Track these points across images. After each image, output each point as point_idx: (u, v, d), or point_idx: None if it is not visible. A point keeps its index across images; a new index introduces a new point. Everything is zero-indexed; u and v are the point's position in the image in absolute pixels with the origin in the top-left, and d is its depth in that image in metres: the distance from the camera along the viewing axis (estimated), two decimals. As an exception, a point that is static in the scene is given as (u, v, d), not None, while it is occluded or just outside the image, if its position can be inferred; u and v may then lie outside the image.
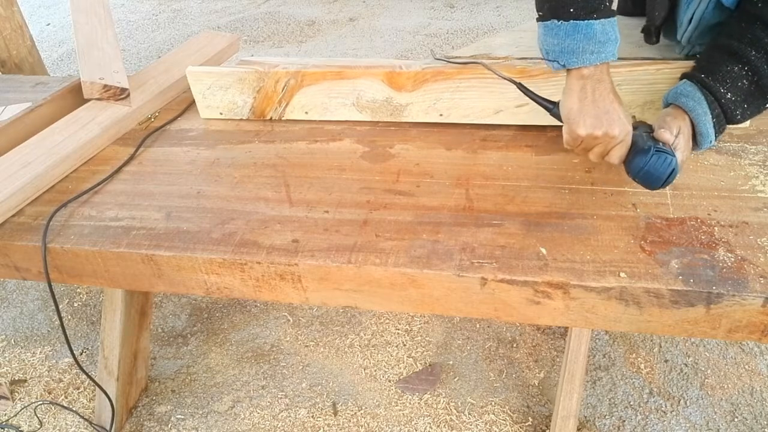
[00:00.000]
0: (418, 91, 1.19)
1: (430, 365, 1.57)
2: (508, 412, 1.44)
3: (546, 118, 1.06)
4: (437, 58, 1.24)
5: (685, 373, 1.48)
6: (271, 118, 1.31)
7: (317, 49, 3.47)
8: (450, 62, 1.21)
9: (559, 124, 0.97)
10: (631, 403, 1.43)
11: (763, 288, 0.80)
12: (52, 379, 1.63)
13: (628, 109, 1.05)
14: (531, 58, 1.24)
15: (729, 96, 0.94)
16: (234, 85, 1.28)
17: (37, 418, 1.53)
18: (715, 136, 0.96)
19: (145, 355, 1.55)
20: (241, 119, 1.33)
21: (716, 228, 0.91)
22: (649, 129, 0.95)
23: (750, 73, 0.93)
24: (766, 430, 1.35)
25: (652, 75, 1.08)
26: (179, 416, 1.51)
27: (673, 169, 0.88)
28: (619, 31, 0.90)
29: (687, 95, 0.96)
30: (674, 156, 0.89)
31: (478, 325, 1.66)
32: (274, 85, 1.26)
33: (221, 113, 1.33)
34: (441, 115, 1.21)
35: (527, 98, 1.07)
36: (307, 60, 1.35)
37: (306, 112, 1.27)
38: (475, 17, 3.64)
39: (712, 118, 0.94)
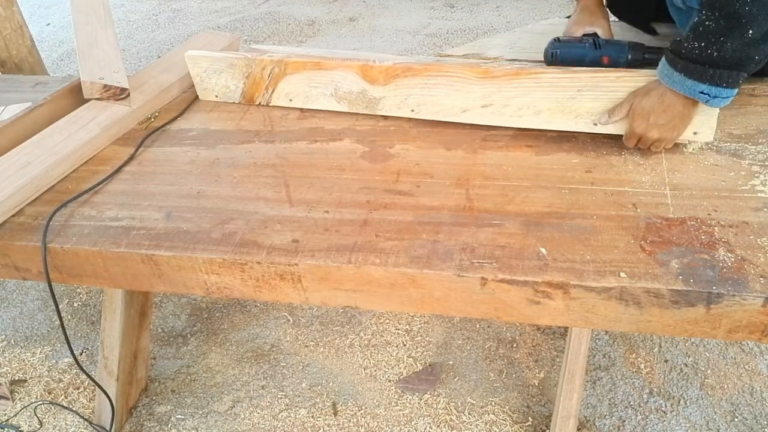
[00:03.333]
0: (390, 85, 1.22)
1: (430, 365, 1.57)
2: (508, 412, 1.44)
3: (507, 120, 1.13)
4: (437, 56, 1.26)
5: (685, 373, 1.48)
6: (259, 103, 1.36)
7: (317, 48, 3.47)
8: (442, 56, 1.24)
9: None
10: (631, 403, 1.43)
11: (763, 288, 0.80)
12: (52, 379, 1.63)
13: (589, 117, 1.10)
14: (522, 60, 1.25)
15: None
16: (226, 69, 1.34)
17: (37, 418, 1.53)
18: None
19: (145, 355, 1.55)
20: (234, 103, 1.38)
21: (716, 228, 0.91)
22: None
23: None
24: (766, 430, 1.35)
25: (612, 83, 1.07)
26: (179, 416, 1.51)
27: None
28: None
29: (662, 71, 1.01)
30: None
31: (478, 325, 1.66)
32: (261, 72, 1.31)
33: (216, 96, 1.39)
34: (412, 110, 1.22)
35: (492, 99, 1.13)
36: (308, 50, 1.41)
37: (290, 100, 1.32)
38: (475, 17, 3.64)
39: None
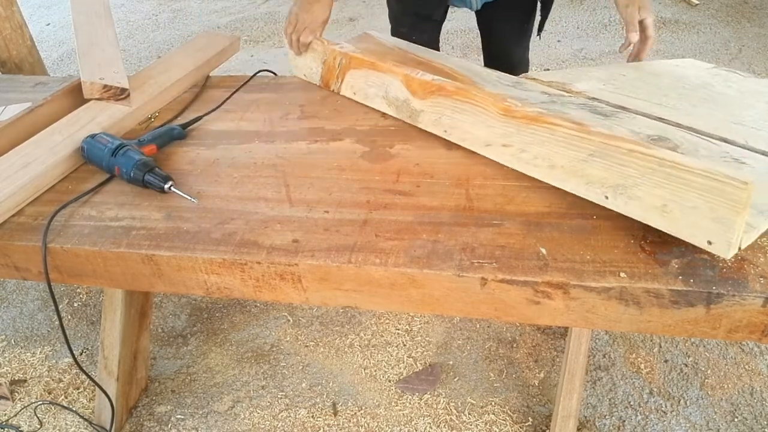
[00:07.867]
0: (427, 100, 1.18)
1: (430, 365, 1.57)
2: (508, 412, 1.44)
3: (524, 167, 1.03)
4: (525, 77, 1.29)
5: (685, 373, 1.48)
6: (332, 90, 1.40)
7: (317, 49, 3.47)
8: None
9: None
10: (631, 403, 1.43)
11: (763, 288, 0.80)
12: (52, 379, 1.63)
13: (600, 187, 0.93)
14: (602, 100, 1.13)
15: None
16: (310, 52, 1.42)
17: (37, 418, 1.53)
18: None
19: (145, 355, 1.55)
20: (312, 84, 1.45)
21: (716, 228, 0.91)
22: None
23: None
24: (766, 430, 1.35)
25: (623, 155, 0.90)
26: (179, 416, 1.51)
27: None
28: None
29: None
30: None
31: (478, 325, 1.66)
32: (332, 61, 1.37)
33: (304, 75, 1.47)
34: (445, 131, 1.17)
35: (511, 140, 1.04)
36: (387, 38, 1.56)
37: (354, 93, 1.35)
38: (475, 17, 3.63)
39: None
